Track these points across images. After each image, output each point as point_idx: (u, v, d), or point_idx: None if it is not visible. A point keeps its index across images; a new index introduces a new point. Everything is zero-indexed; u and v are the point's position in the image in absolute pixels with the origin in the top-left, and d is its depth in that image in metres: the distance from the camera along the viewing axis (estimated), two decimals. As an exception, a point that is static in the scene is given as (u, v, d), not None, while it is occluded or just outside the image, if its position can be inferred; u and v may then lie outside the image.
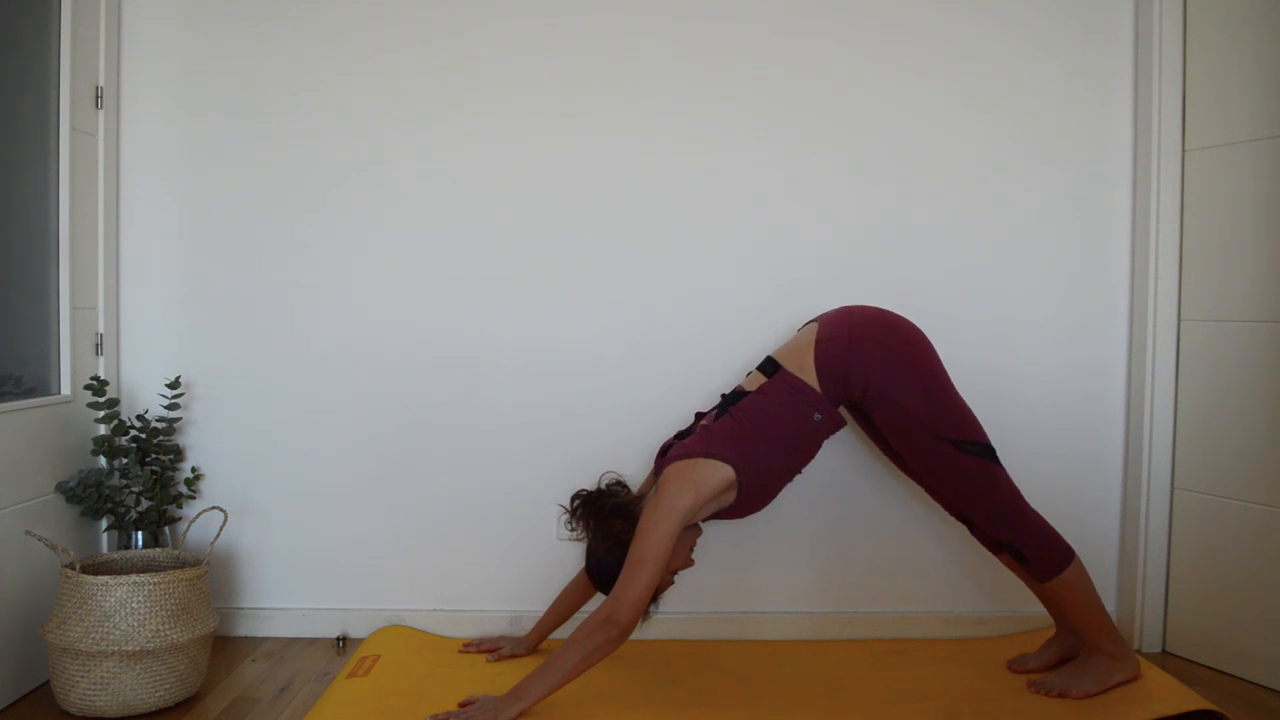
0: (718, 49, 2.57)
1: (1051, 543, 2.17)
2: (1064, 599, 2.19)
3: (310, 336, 2.59)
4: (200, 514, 2.49)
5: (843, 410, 2.30)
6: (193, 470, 2.58)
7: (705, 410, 2.31)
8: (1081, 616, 2.19)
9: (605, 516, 2.11)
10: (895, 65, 2.58)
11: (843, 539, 2.62)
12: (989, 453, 2.14)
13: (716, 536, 2.59)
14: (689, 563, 2.18)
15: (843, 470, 2.60)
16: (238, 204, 2.58)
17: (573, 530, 2.19)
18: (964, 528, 2.38)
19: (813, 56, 2.57)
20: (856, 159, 2.59)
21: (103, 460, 2.47)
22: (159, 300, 2.59)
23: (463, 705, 2.03)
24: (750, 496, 2.11)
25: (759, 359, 2.46)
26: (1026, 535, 2.16)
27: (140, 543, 2.42)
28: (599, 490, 2.19)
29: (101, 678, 2.03)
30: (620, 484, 2.23)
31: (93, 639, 2.02)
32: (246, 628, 2.60)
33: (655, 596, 2.11)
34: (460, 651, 2.43)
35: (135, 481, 2.40)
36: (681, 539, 2.11)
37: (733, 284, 2.59)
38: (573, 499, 2.19)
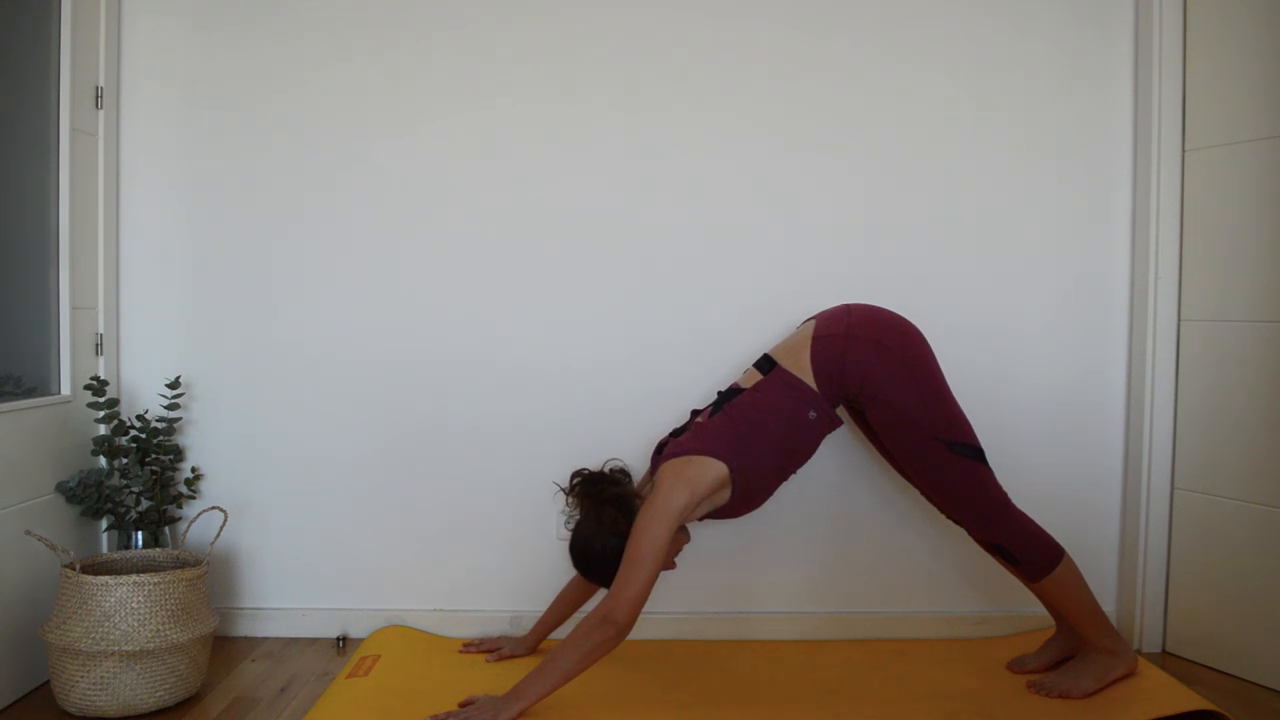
0: (714, 48, 2.56)
1: (1040, 542, 2.17)
2: (1057, 597, 2.20)
3: (310, 336, 2.59)
4: (200, 514, 2.49)
5: (841, 412, 2.31)
6: (193, 470, 2.58)
7: (702, 408, 2.31)
8: (1076, 613, 2.20)
9: (601, 502, 2.10)
10: (893, 69, 2.57)
11: (843, 540, 2.61)
12: (979, 454, 2.15)
13: (716, 536, 2.59)
14: (671, 565, 2.18)
15: (843, 471, 2.60)
16: (238, 204, 2.58)
17: (569, 507, 2.18)
18: (961, 529, 2.38)
19: (811, 54, 2.57)
20: (854, 162, 2.58)
21: (103, 460, 2.48)
22: (159, 300, 2.59)
23: (463, 705, 2.03)
24: (744, 494, 2.11)
25: (756, 356, 2.45)
26: (1015, 536, 2.16)
27: (140, 543, 2.43)
28: (600, 473, 2.18)
29: (101, 678, 2.03)
30: (624, 473, 2.22)
31: (93, 639, 2.02)
32: (246, 628, 2.60)
33: None
34: (460, 651, 2.43)
35: (135, 481, 2.40)
36: (672, 539, 2.11)
37: (731, 284, 2.58)
38: (573, 476, 2.19)
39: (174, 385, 2.48)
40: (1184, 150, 2.51)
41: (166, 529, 2.47)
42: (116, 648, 2.02)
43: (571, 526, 2.22)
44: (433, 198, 2.58)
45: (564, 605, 2.39)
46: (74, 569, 2.10)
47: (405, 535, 2.61)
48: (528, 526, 2.60)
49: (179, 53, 2.56)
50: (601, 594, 2.31)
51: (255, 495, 2.60)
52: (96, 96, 2.50)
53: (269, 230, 2.58)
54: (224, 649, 2.49)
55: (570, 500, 2.18)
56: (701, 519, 2.17)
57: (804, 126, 2.58)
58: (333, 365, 2.59)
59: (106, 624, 2.03)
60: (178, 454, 2.53)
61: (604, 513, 2.09)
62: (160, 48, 2.56)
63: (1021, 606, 2.59)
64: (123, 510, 2.42)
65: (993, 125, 2.59)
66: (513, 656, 2.38)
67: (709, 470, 2.06)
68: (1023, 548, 2.16)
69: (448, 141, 2.57)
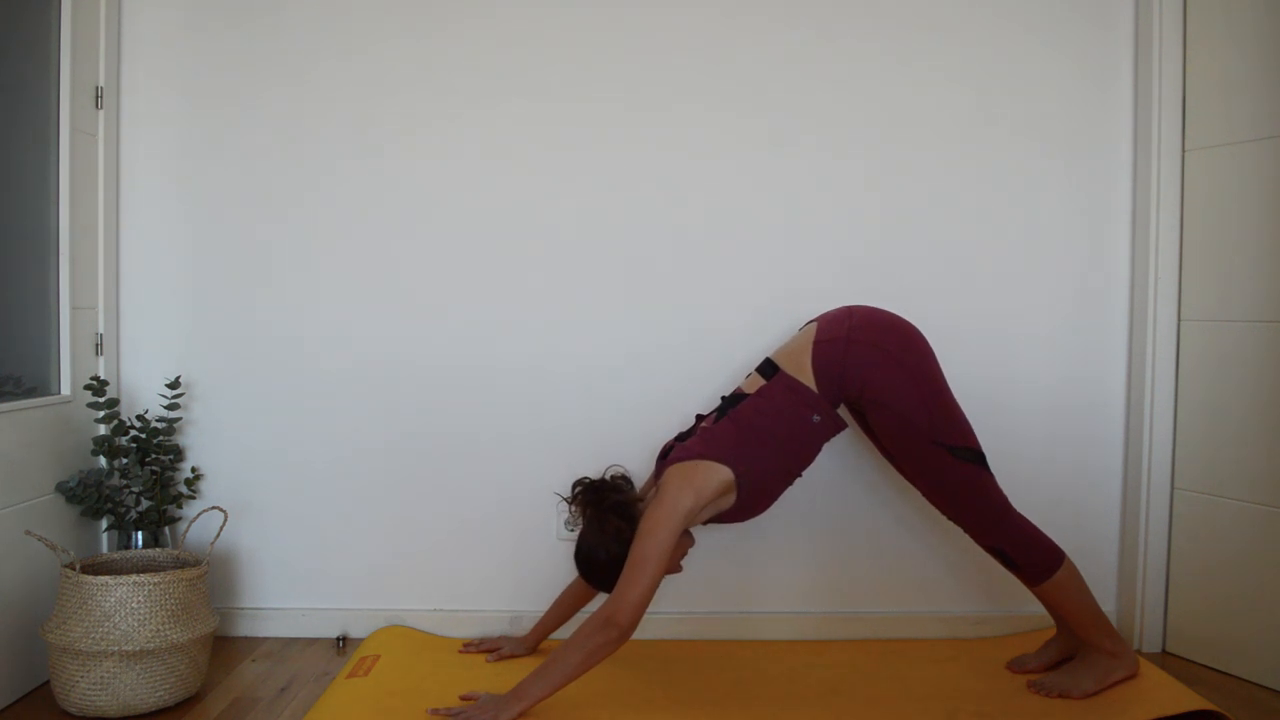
0: (717, 47, 2.56)
1: (1040, 547, 2.17)
2: (1057, 599, 2.20)
3: (310, 336, 2.59)
4: (200, 514, 2.49)
5: (843, 412, 2.31)
6: (193, 470, 2.58)
7: (706, 412, 2.32)
8: (1076, 616, 2.20)
9: (604, 510, 2.11)
10: (895, 70, 2.57)
11: (843, 539, 2.61)
12: (980, 459, 2.14)
13: (717, 536, 2.59)
14: (677, 568, 2.18)
15: (843, 471, 2.60)
16: (238, 203, 2.58)
17: (571, 515, 2.19)
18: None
19: (812, 55, 2.57)
20: (855, 163, 2.58)
21: (103, 460, 2.47)
22: (159, 300, 2.59)
23: (464, 700, 2.04)
24: (749, 499, 2.11)
25: (759, 360, 2.45)
26: (1015, 540, 2.16)
27: (140, 543, 2.42)
28: (602, 481, 2.19)
29: (101, 678, 2.03)
30: (624, 479, 2.23)
31: (93, 639, 2.02)
32: (246, 628, 2.60)
33: None
34: (460, 651, 2.43)
35: (135, 481, 2.40)
36: (677, 543, 2.11)
37: (733, 287, 2.58)
38: (574, 485, 2.19)
39: (174, 385, 2.48)
40: (1184, 150, 2.51)
41: (166, 529, 2.47)
42: (116, 648, 2.02)
43: (573, 527, 2.22)
44: (434, 199, 2.58)
45: (565, 606, 2.39)
46: (74, 569, 2.10)
47: (405, 535, 2.61)
48: (528, 526, 2.60)
49: (179, 52, 2.56)
50: (604, 595, 2.31)
51: (255, 495, 2.60)
52: (96, 96, 2.50)
53: (270, 230, 2.58)
54: (224, 649, 2.49)
55: (573, 509, 2.19)
56: (706, 523, 2.17)
57: (804, 128, 2.58)
58: (334, 365, 2.59)
59: (106, 624, 2.03)
60: (178, 454, 2.53)
61: (607, 520, 2.09)
62: (160, 47, 2.56)
63: (1021, 607, 2.59)
64: (123, 510, 2.42)
65: (992, 125, 2.59)
66: (513, 656, 2.38)
67: (715, 475, 2.06)
68: (1023, 552, 2.16)
69: (450, 141, 2.57)
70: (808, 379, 2.13)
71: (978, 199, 2.60)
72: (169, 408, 2.52)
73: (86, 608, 2.04)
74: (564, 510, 2.56)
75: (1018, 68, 2.59)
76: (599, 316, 2.59)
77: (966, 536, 2.41)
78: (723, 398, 2.24)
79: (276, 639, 2.58)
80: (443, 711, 1.97)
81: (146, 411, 2.55)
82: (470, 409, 2.59)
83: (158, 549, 2.35)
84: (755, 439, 2.10)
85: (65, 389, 2.39)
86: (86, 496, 2.34)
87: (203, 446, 2.60)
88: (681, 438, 2.23)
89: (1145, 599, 2.55)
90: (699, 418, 2.27)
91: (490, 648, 2.41)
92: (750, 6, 2.56)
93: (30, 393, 2.31)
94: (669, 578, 2.29)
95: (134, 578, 2.06)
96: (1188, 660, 2.50)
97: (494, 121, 2.57)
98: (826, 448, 2.23)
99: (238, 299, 2.59)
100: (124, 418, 2.54)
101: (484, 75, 2.56)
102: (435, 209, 2.58)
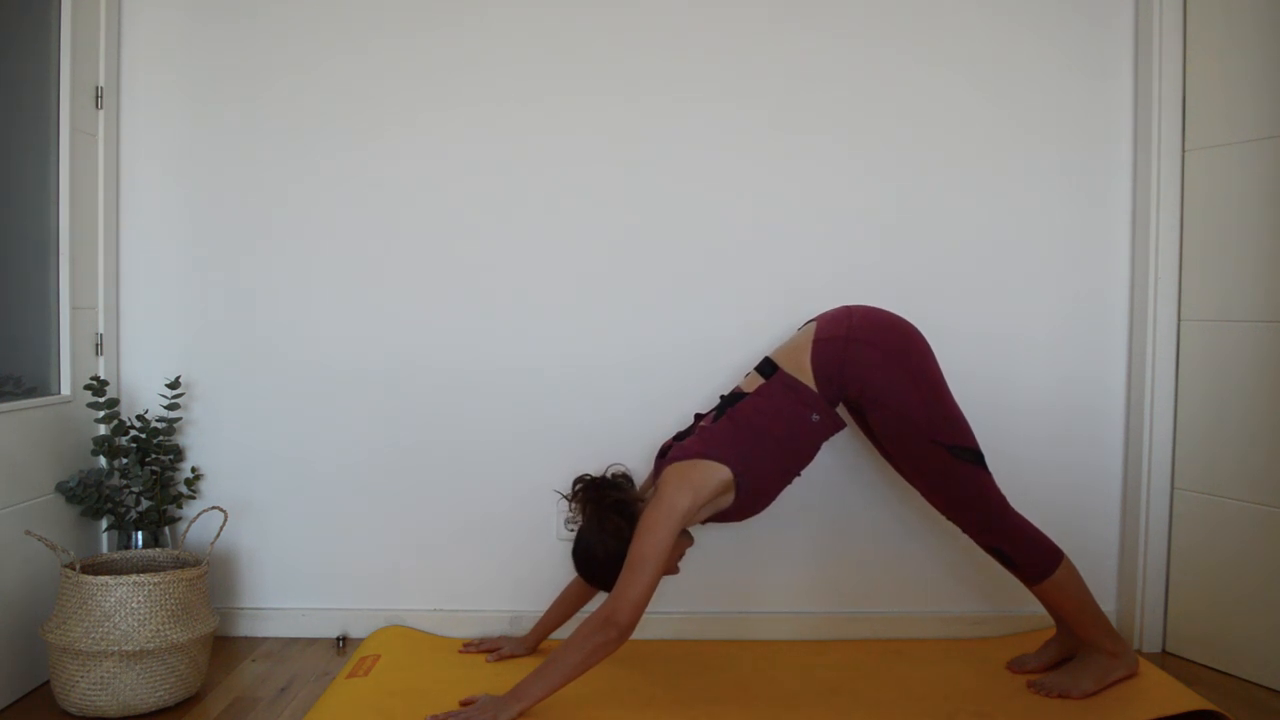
0: (716, 50, 2.56)
1: (1038, 546, 2.17)
2: (1056, 599, 2.20)
3: (311, 336, 2.59)
4: (200, 514, 2.49)
5: (842, 411, 2.31)
6: (193, 470, 2.58)
7: (705, 411, 2.32)
8: (1076, 616, 2.20)
9: (604, 508, 2.11)
10: (896, 73, 2.57)
11: (843, 539, 2.61)
12: (978, 458, 2.14)
13: (717, 537, 2.59)
14: (675, 570, 2.18)
15: (843, 470, 2.60)
16: (238, 203, 2.58)
17: (571, 514, 2.19)
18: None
19: (811, 59, 2.57)
20: (855, 163, 2.58)
21: (103, 460, 2.48)
22: (159, 300, 2.59)
23: (463, 704, 2.03)
24: (748, 498, 2.11)
25: (758, 359, 2.45)
26: (1013, 540, 2.16)
27: (140, 543, 2.43)
28: (603, 479, 2.18)
29: (101, 678, 2.03)
30: (625, 477, 2.23)
31: (93, 639, 2.02)
32: (246, 628, 2.60)
33: None
34: (460, 651, 2.43)
35: (135, 481, 2.40)
36: (675, 544, 2.11)
37: (733, 286, 2.58)
38: (575, 482, 2.19)
39: (174, 385, 2.49)
40: (1184, 150, 2.51)
41: (166, 529, 2.47)
42: (116, 648, 2.02)
43: (573, 527, 2.21)
44: (435, 201, 2.58)
45: (565, 606, 2.39)
46: (74, 569, 2.10)
47: (405, 535, 2.61)
48: (528, 526, 2.60)
49: (179, 52, 2.56)
50: (603, 595, 2.31)
51: (255, 495, 2.60)
52: (96, 96, 2.50)
53: (270, 230, 2.58)
54: (224, 649, 2.49)
55: (573, 506, 2.19)
56: (705, 522, 2.17)
57: (803, 130, 2.57)
58: (334, 365, 2.59)
59: (106, 624, 2.03)
60: (178, 454, 2.53)
61: (606, 518, 2.09)
62: (160, 47, 2.56)
63: (1020, 607, 2.59)
64: (123, 510, 2.42)
65: (991, 125, 2.59)
66: (513, 656, 2.38)
67: (713, 474, 2.06)
68: (1022, 552, 2.16)
69: (452, 144, 2.57)
70: (807, 378, 2.13)
71: (977, 199, 2.60)
72: (169, 408, 2.52)
73: (86, 608, 2.04)
74: (564, 510, 2.56)
75: (1017, 67, 2.59)
76: (598, 316, 2.59)
77: (966, 536, 2.42)
78: (721, 397, 2.24)
79: (276, 639, 2.58)
80: (440, 716, 1.96)
81: (146, 411, 2.55)
82: (471, 409, 2.59)
83: (158, 549, 2.35)
84: (754, 438, 2.10)
85: (65, 389, 2.39)
86: (86, 496, 2.35)
87: (203, 446, 2.60)
88: (680, 437, 2.23)
89: (1145, 599, 2.55)
90: (698, 417, 2.27)
91: (490, 648, 2.41)
92: (753, 6, 2.56)
93: (30, 393, 2.31)
94: (668, 578, 2.29)
95: (134, 578, 2.06)
96: (1188, 660, 2.50)
97: (494, 123, 2.57)
98: (826, 447, 2.23)
99: (238, 299, 2.59)
100: (124, 418, 2.54)
101: (482, 76, 2.56)
102: (438, 212, 2.58)
